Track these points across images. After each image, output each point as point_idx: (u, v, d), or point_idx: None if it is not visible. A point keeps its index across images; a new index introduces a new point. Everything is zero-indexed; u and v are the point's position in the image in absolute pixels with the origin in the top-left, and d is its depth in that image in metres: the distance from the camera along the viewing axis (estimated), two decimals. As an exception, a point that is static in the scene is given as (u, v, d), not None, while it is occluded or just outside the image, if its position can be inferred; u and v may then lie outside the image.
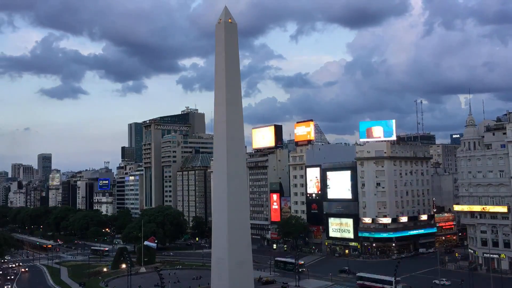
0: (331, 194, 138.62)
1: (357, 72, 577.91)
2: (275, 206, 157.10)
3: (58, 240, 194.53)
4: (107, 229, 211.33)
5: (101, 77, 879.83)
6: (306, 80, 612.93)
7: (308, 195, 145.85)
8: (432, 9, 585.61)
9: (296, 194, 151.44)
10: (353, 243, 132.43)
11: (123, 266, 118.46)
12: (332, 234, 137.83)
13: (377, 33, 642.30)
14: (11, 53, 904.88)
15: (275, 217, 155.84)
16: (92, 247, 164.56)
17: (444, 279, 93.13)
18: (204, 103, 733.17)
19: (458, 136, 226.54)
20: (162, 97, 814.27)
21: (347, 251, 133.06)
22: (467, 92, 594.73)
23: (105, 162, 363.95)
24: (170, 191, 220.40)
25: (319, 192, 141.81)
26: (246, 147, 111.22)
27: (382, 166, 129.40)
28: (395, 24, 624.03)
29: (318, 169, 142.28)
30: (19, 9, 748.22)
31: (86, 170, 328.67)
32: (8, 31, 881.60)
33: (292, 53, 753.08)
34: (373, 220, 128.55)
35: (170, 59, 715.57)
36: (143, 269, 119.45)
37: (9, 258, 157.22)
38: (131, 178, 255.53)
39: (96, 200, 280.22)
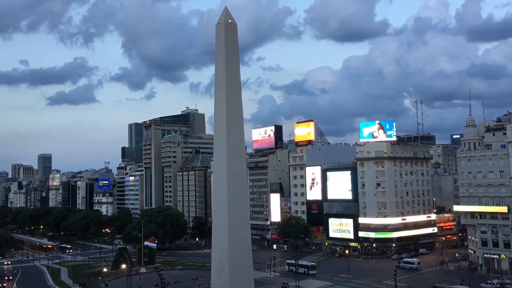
0: (331, 194, 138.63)
1: (351, 80, 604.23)
2: (275, 206, 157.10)
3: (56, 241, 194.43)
4: (107, 229, 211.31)
5: (116, 86, 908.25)
6: (302, 87, 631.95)
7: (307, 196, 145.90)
8: (413, 27, 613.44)
9: (296, 194, 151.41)
10: (353, 244, 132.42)
11: (123, 266, 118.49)
12: (332, 234, 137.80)
13: (366, 47, 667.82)
14: (41, 65, 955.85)
15: (275, 217, 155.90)
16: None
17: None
18: (205, 104, 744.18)
19: (458, 136, 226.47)
20: (171, 102, 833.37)
21: (347, 251, 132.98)
22: (456, 99, 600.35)
23: (105, 162, 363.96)
24: (170, 192, 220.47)
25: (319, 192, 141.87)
26: (246, 147, 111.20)
27: (382, 167, 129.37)
28: (383, 39, 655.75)
29: (318, 169, 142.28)
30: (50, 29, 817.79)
31: (86, 170, 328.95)
32: (43, 47, 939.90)
33: (288, 64, 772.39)
34: (373, 220, 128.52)
35: (180, 70, 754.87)
36: (143, 269, 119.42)
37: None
38: (131, 178, 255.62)
39: (96, 201, 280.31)
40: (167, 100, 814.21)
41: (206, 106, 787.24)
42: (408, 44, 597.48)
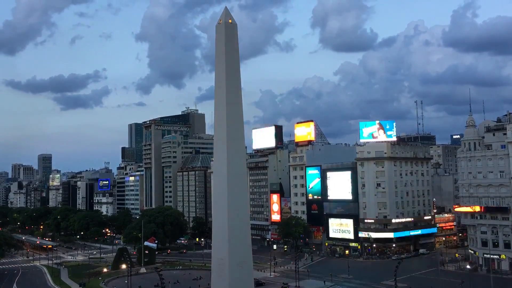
0: (331, 194, 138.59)
1: (348, 86, 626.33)
2: (275, 206, 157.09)
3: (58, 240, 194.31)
4: (107, 230, 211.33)
5: (125, 92, 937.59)
6: (301, 93, 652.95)
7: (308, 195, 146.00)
8: (406, 37, 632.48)
9: (296, 194, 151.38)
10: (353, 244, 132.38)
11: (123, 266, 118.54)
12: (332, 234, 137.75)
13: (362, 56, 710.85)
14: (62, 74, 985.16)
15: (275, 217, 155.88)
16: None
17: None
18: (206, 105, 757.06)
19: (458, 137, 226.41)
20: (176, 107, 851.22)
21: (347, 251, 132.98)
22: (449, 103, 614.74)
23: (105, 162, 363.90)
24: (170, 192, 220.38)
25: (319, 192, 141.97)
26: (246, 147, 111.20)
27: (382, 167, 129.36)
28: (377, 48, 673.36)
29: (318, 169, 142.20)
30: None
31: (86, 170, 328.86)
32: (64, 57, 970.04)
33: (286, 74, 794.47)
34: (373, 220, 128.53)
35: (186, 77, 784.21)
36: (143, 270, 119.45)
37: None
38: (131, 178, 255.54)
39: (96, 201, 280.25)
40: (171, 104, 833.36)
41: (207, 107, 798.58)
42: (402, 52, 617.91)
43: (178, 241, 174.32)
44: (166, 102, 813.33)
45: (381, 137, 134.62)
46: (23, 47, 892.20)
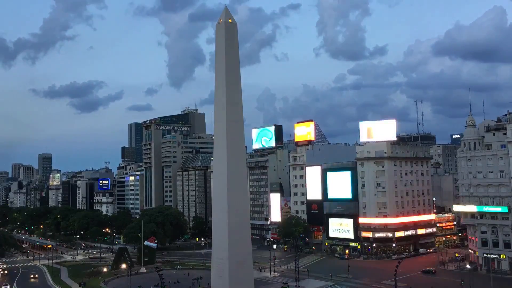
0: (331, 194, 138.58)
1: (346, 89, 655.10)
2: (275, 206, 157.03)
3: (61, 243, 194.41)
4: (107, 229, 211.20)
5: (132, 97, 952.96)
6: (299, 98, 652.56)
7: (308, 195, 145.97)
8: (398, 46, 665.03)
9: (296, 194, 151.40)
10: (353, 243, 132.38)
11: (123, 266, 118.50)
12: (332, 234, 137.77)
13: (358, 63, 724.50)
14: (81, 80, 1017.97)
15: (275, 217, 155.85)
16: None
17: None
18: (207, 105, 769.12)
19: (458, 136, 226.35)
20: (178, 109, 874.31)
21: (347, 251, 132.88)
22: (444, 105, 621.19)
23: (105, 162, 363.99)
24: (170, 191, 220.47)
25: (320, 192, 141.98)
26: (246, 147, 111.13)
27: (383, 166, 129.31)
28: (371, 57, 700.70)
29: (318, 169, 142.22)
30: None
31: (86, 170, 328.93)
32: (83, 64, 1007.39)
33: (284, 77, 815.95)
34: (373, 220, 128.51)
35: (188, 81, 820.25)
36: (143, 269, 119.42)
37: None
38: (131, 178, 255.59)
39: (96, 200, 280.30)
40: (176, 108, 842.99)
41: (207, 108, 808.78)
42: (400, 59, 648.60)
43: (179, 241, 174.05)
44: (171, 106, 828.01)
45: (381, 136, 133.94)
46: (44, 54, 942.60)
